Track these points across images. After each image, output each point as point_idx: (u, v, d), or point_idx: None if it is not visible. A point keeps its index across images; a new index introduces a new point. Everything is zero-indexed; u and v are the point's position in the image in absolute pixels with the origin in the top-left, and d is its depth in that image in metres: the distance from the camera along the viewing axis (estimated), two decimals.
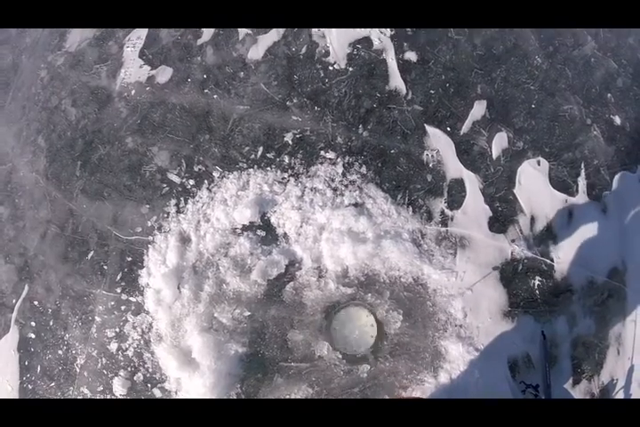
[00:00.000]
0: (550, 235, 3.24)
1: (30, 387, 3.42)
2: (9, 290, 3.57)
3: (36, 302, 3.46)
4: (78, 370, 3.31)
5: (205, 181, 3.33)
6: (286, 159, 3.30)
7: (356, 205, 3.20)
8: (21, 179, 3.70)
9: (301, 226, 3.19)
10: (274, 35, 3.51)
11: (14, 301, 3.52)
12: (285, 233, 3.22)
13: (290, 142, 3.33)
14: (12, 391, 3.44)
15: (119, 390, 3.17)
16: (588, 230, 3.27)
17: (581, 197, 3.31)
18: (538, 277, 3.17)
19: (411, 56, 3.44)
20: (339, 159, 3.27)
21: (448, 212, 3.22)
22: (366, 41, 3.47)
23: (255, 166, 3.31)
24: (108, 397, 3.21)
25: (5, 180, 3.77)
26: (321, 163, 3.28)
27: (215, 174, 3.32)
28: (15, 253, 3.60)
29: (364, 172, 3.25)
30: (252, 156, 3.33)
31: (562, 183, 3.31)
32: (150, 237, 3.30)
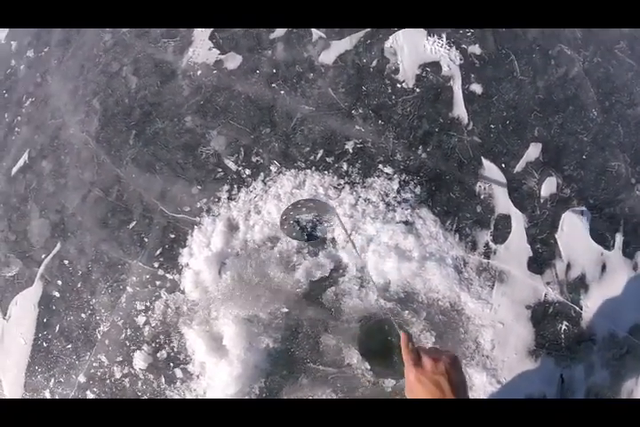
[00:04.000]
0: (582, 283, 3.33)
1: (45, 345, 3.39)
2: (40, 244, 3.53)
3: (65, 262, 3.43)
4: (99, 337, 3.28)
5: (261, 174, 3.35)
6: (344, 166, 3.34)
7: (406, 222, 3.26)
8: (70, 137, 3.66)
9: (350, 234, 3.22)
10: (347, 42, 3.56)
11: (43, 256, 3.48)
12: (334, 238, 3.25)
13: (350, 150, 3.37)
14: (25, 346, 3.41)
15: (139, 364, 3.16)
16: (618, 285, 3.37)
17: (616, 253, 3.41)
18: (565, 322, 3.26)
19: (476, 88, 3.53)
20: (395, 175, 3.32)
21: (492, 245, 3.30)
22: (435, 65, 3.55)
23: (313, 168, 3.34)
24: (127, 369, 3.20)
25: (53, 135, 3.72)
26: (378, 176, 3.33)
27: (272, 168, 3.34)
28: (52, 209, 3.56)
29: (418, 192, 3.31)
30: (312, 157, 3.37)
31: (600, 236, 3.42)
32: (197, 218, 3.30)
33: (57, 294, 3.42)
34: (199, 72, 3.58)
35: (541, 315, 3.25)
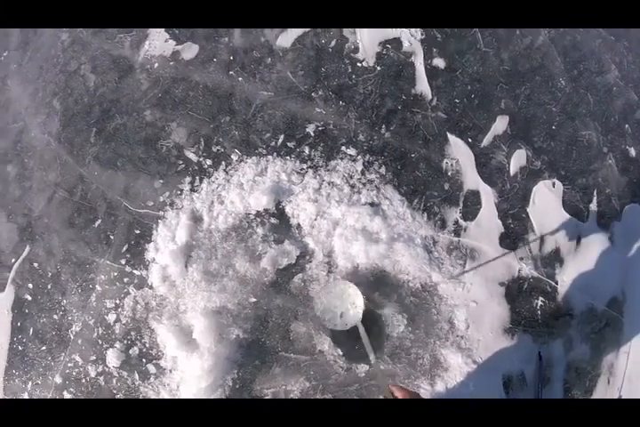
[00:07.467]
0: (557, 257, 3.28)
1: (20, 348, 3.36)
2: (9, 249, 3.49)
3: (35, 264, 3.39)
4: (72, 337, 3.25)
5: (223, 163, 3.30)
6: (306, 150, 3.28)
7: (372, 204, 3.20)
8: (32, 139, 3.62)
9: (316, 219, 3.18)
10: None
11: (13, 260, 3.45)
12: (299, 224, 3.20)
13: (311, 134, 3.31)
14: (2, 350, 3.38)
15: (113, 361, 3.14)
16: (594, 258, 3.31)
17: (591, 224, 3.36)
18: (541, 298, 3.21)
19: (439, 63, 3.45)
20: (359, 157, 3.27)
21: (462, 222, 3.24)
22: (396, 42, 3.47)
23: (275, 154, 3.29)
24: (101, 367, 3.18)
25: (16, 139, 3.68)
26: (341, 158, 3.27)
27: (234, 157, 3.29)
28: (19, 213, 3.53)
29: (383, 172, 3.25)
30: (273, 143, 3.31)
31: (574, 208, 3.36)
32: (161, 213, 3.26)
33: (29, 298, 3.38)
34: (156, 65, 3.51)
35: (516, 291, 3.20)
